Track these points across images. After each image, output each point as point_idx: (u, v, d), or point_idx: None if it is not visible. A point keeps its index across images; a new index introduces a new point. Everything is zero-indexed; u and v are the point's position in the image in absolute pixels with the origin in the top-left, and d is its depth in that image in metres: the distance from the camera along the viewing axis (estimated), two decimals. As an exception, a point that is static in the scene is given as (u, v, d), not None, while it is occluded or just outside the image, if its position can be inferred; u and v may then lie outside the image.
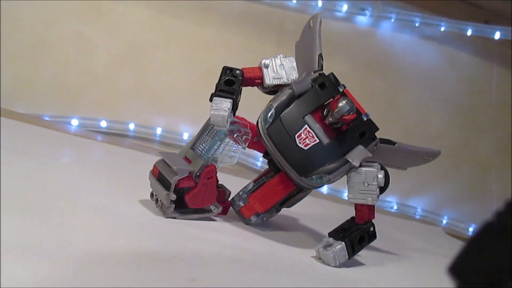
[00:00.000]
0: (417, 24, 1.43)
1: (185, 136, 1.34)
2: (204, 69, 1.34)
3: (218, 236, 0.61)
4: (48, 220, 0.49)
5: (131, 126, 1.32)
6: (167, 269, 0.44)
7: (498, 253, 0.18)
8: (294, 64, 0.66)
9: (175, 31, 1.34)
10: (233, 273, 0.48)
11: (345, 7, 1.39)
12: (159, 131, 1.34)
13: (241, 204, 0.70)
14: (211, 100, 0.60)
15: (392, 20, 1.43)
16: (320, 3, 1.37)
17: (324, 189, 1.33)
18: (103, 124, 1.30)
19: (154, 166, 0.64)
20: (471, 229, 1.46)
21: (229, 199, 0.71)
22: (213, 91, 0.61)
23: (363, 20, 1.43)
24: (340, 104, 0.61)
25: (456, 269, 0.20)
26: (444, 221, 1.47)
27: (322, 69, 0.66)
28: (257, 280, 0.49)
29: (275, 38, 1.38)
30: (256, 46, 1.36)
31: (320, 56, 0.67)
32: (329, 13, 1.40)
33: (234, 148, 0.66)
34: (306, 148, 0.61)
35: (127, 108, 1.32)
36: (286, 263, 0.59)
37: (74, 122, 1.29)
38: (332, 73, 0.66)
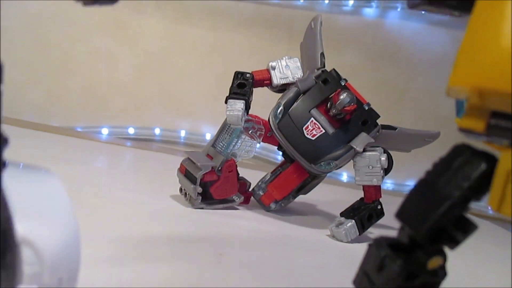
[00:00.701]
0: (423, 12, 1.48)
1: (208, 136, 1.44)
2: (220, 71, 1.43)
3: (241, 221, 0.70)
4: (94, 214, 0.59)
5: (157, 131, 1.43)
6: (198, 246, 0.53)
7: (427, 201, 0.26)
8: (298, 64, 0.74)
9: (190, 38, 1.44)
10: (254, 249, 0.57)
11: (351, 1, 1.46)
12: (183, 133, 1.44)
13: (261, 193, 0.79)
14: (226, 102, 0.69)
15: (399, 9, 1.48)
16: (326, 0, 1.44)
17: (344, 177, 1.40)
18: (131, 131, 1.41)
19: (181, 164, 0.73)
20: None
21: (250, 189, 0.80)
22: (228, 94, 0.70)
23: (370, 12, 1.49)
24: (341, 97, 0.68)
25: (400, 214, 0.28)
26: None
27: (324, 66, 0.74)
28: (276, 255, 0.57)
29: (286, 37, 1.46)
30: (268, 46, 1.44)
31: (322, 54, 0.75)
32: (337, 8, 1.46)
33: (250, 143, 0.74)
34: (313, 139, 0.69)
35: (152, 114, 1.43)
36: (303, 241, 0.67)
37: (104, 131, 1.40)
38: (333, 69, 0.74)
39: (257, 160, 1.38)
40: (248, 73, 0.72)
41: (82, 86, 1.41)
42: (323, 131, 0.70)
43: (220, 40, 1.45)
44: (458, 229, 0.26)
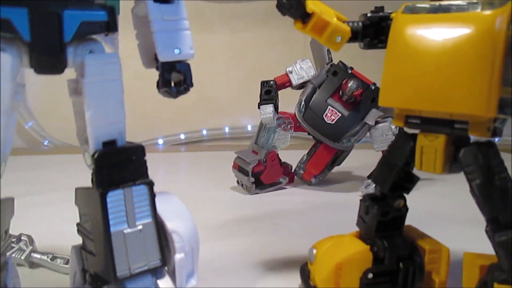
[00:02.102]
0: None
1: (249, 127, 1.65)
2: (247, 68, 1.63)
3: (289, 197, 0.90)
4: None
5: (204, 132, 1.66)
6: (259, 222, 0.74)
7: (385, 168, 0.45)
8: (310, 64, 0.93)
9: (215, 44, 1.63)
10: (301, 217, 0.77)
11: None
12: (227, 129, 1.66)
13: (302, 172, 0.99)
14: (258, 107, 0.89)
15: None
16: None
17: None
18: (182, 136, 1.65)
19: (234, 161, 0.95)
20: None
21: (292, 170, 1.00)
22: (259, 101, 0.89)
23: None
24: (349, 85, 0.86)
25: (373, 179, 0.47)
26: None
27: (331, 61, 0.92)
28: (318, 218, 0.77)
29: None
30: (286, 36, 1.61)
31: (328, 51, 0.93)
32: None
33: (284, 135, 0.94)
34: (333, 123, 0.88)
35: (197, 118, 1.65)
36: (339, 204, 0.86)
37: (160, 141, 1.64)
38: (340, 61, 0.92)
39: (292, 143, 1.58)
40: (272, 80, 0.91)
41: (132, 106, 1.65)
42: (340, 115, 0.88)
43: (242, 40, 1.64)
44: (407, 181, 0.45)
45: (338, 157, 0.98)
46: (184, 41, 0.45)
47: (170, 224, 0.43)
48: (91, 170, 0.40)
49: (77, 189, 0.43)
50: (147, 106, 1.65)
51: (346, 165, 1.04)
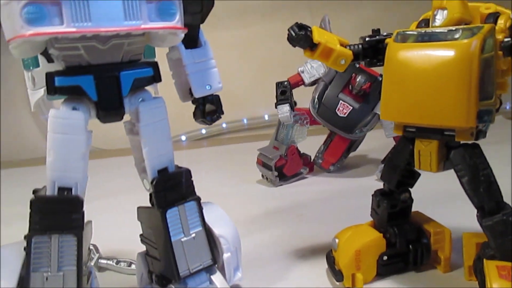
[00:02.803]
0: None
1: (266, 117, 1.74)
2: (259, 61, 1.71)
3: (310, 187, 1.00)
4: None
5: (224, 125, 1.75)
6: (285, 211, 0.84)
7: (390, 169, 0.54)
8: (319, 62, 1.00)
9: (226, 40, 1.71)
10: (323, 205, 0.87)
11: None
12: (245, 121, 1.75)
13: (320, 161, 1.08)
14: (276, 107, 0.98)
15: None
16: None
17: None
18: (204, 131, 1.75)
19: (257, 158, 1.04)
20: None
21: (312, 160, 1.10)
22: (276, 101, 0.98)
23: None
24: (358, 79, 0.94)
25: (382, 178, 0.56)
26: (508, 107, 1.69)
27: (340, 57, 1.00)
28: (339, 205, 0.87)
29: (307, 13, 1.68)
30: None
31: None
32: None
33: (302, 129, 1.03)
34: (345, 116, 0.97)
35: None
36: (358, 190, 0.95)
37: (183, 137, 1.75)
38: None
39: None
40: (286, 81, 0.99)
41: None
42: (351, 108, 0.97)
43: (251, 34, 1.71)
44: (409, 178, 0.54)
45: (352, 144, 1.06)
46: (213, 78, 0.54)
47: (217, 230, 0.53)
48: (149, 192, 0.51)
49: (138, 208, 0.54)
50: (169, 106, 1.75)
51: (361, 148, 1.12)
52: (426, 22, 0.51)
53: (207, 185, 1.12)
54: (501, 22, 0.47)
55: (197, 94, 0.53)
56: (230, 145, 1.57)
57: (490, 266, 0.45)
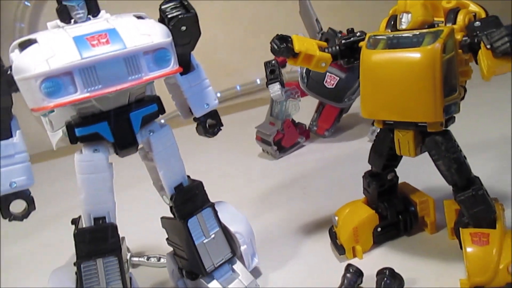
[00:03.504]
0: None
1: (258, 81, 1.79)
2: (246, 24, 1.73)
3: (309, 156, 1.08)
4: (219, 189, 1.00)
5: (218, 95, 1.81)
6: (288, 186, 0.93)
7: (375, 156, 0.62)
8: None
9: (210, 10, 1.73)
10: (324, 175, 0.96)
11: None
12: (239, 88, 1.80)
13: (315, 128, 1.16)
14: (267, 86, 1.03)
15: None
16: None
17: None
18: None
19: (256, 135, 1.11)
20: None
21: (307, 128, 1.17)
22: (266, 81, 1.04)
23: None
24: (341, 51, 0.99)
25: (369, 161, 0.63)
26: None
27: (322, 29, 1.04)
28: (337, 172, 0.95)
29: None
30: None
31: (317, 20, 1.04)
32: None
33: (295, 102, 1.09)
34: (333, 87, 1.03)
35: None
36: (353, 154, 1.04)
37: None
38: (329, 27, 1.04)
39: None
40: (273, 60, 1.04)
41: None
42: (338, 78, 1.03)
43: (233, 1, 1.72)
44: (393, 160, 0.62)
45: (343, 108, 1.13)
46: (210, 96, 0.60)
47: (232, 228, 0.62)
48: (169, 206, 0.59)
49: (162, 218, 0.62)
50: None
51: (352, 105, 1.19)
52: (394, 19, 0.57)
53: (212, 165, 1.20)
54: (460, 19, 0.53)
55: (198, 114, 0.60)
56: (227, 116, 1.63)
57: (465, 233, 0.54)
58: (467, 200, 0.54)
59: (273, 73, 1.04)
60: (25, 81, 0.45)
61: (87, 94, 0.45)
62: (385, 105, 0.55)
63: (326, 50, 0.61)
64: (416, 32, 0.53)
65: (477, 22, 0.51)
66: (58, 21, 0.51)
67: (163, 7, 0.55)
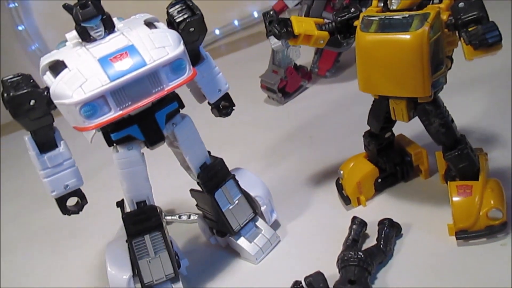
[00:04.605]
0: None
1: (255, 14, 1.79)
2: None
3: (313, 100, 1.15)
4: (228, 139, 1.10)
5: (217, 32, 1.82)
6: (295, 134, 1.02)
7: (373, 116, 0.69)
8: (300, -13, 1.07)
9: None
10: (328, 120, 1.04)
11: None
12: (237, 23, 1.81)
13: (317, 69, 1.21)
14: (267, 37, 1.08)
15: None
16: None
17: None
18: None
19: (261, 83, 1.18)
20: None
21: (309, 70, 1.23)
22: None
23: None
24: (337, -5, 1.03)
25: (368, 123, 0.71)
26: None
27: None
28: (341, 117, 1.03)
29: None
30: None
31: None
32: None
33: (295, 49, 1.14)
34: (332, 33, 1.07)
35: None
36: (355, 95, 1.10)
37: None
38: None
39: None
40: (271, 10, 1.07)
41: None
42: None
43: None
44: (389, 122, 0.70)
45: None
46: (221, 82, 0.67)
47: (252, 192, 0.72)
48: (197, 182, 0.69)
49: (191, 191, 0.73)
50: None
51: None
52: None
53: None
54: (446, -2, 0.58)
55: (212, 100, 0.67)
56: (227, 56, 1.67)
57: (452, 186, 0.63)
58: (454, 158, 0.63)
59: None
60: (65, 106, 0.52)
61: (120, 112, 0.53)
62: (379, 82, 0.62)
63: (323, 27, 0.67)
64: (406, 14, 0.58)
65: (461, 3, 0.55)
66: (75, 33, 0.57)
67: (170, 10, 0.60)
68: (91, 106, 0.52)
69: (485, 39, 0.51)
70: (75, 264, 0.85)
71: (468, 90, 0.95)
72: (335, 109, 1.08)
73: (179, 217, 0.87)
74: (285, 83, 1.16)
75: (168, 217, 0.88)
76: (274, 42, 1.07)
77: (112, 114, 0.53)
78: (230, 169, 0.71)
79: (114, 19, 0.58)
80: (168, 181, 0.97)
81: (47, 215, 1.00)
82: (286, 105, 1.18)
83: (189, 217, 0.87)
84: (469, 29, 0.53)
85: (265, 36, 0.72)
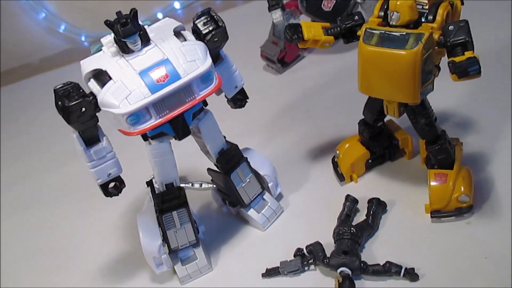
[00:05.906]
0: None
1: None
2: None
3: (310, 70, 1.24)
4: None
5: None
6: (293, 106, 1.12)
7: (368, 108, 0.80)
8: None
9: None
10: (325, 93, 1.14)
11: None
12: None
13: (313, 39, 1.29)
14: (269, 12, 1.15)
15: None
16: None
17: None
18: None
19: (261, 52, 1.26)
20: None
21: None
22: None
23: None
24: (336, -26, 1.09)
25: (364, 113, 0.82)
26: None
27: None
28: (338, 91, 1.13)
29: None
30: None
31: None
32: None
33: (295, 21, 1.21)
34: (330, 9, 1.14)
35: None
36: (352, 67, 1.20)
37: (177, 5, 1.86)
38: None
39: None
40: (272, -16, 1.13)
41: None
42: (334, 1, 1.14)
43: None
44: (382, 115, 0.81)
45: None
46: (237, 79, 0.77)
47: (261, 171, 0.85)
48: (215, 164, 0.81)
49: (208, 170, 0.85)
50: None
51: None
52: (387, 3, 0.70)
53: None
54: (439, 13, 0.67)
55: (229, 95, 0.77)
56: (225, 13, 1.71)
57: (430, 173, 0.77)
58: (434, 151, 0.76)
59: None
60: (110, 113, 0.62)
61: (160, 120, 0.63)
62: (376, 86, 0.72)
63: (330, 31, 0.76)
64: (403, 32, 0.67)
65: (451, 26, 0.65)
66: (110, 37, 0.65)
67: (196, 22, 0.68)
68: (135, 116, 0.62)
69: (467, 72, 0.62)
70: (101, 224, 0.97)
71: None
72: (332, 82, 1.17)
73: (192, 184, 1.00)
74: (284, 54, 1.24)
75: (182, 184, 1.00)
76: (276, 17, 1.15)
77: (154, 122, 0.63)
78: (236, 144, 0.82)
79: (145, 26, 0.66)
80: (179, 149, 1.08)
81: (65, 173, 1.11)
82: (284, 74, 1.27)
83: (201, 185, 0.99)
84: (456, 59, 0.63)
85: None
